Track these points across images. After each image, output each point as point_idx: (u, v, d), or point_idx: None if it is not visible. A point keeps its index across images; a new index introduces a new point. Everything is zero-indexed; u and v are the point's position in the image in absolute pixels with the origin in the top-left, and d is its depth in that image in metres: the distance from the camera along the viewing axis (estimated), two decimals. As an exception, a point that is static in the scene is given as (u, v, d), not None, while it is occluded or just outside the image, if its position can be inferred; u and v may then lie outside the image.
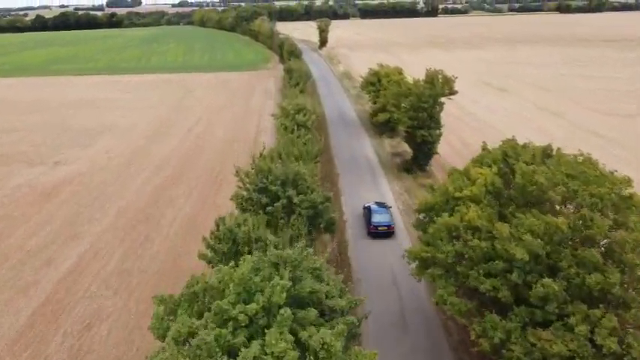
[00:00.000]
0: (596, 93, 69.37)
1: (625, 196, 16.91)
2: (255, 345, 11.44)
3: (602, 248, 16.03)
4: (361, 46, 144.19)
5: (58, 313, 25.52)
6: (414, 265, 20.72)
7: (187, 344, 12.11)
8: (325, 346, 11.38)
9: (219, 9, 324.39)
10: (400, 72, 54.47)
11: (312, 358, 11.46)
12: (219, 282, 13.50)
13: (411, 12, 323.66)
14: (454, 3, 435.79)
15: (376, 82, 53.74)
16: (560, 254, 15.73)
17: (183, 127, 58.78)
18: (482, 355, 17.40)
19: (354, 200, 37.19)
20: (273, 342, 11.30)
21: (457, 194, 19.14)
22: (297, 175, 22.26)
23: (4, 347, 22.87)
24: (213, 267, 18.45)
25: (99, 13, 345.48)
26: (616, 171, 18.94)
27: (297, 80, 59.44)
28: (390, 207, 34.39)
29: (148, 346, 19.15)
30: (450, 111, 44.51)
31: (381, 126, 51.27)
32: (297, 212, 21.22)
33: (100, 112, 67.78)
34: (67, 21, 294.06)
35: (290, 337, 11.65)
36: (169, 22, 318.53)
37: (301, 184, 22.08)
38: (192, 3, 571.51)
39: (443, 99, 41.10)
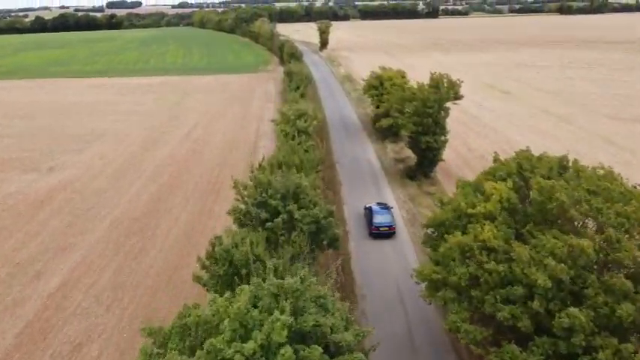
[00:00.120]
0: (604, 97, 68.04)
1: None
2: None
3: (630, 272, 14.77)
4: (362, 48, 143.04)
5: (46, 332, 24.22)
6: (422, 284, 19.47)
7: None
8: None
9: (219, 10, 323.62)
10: (403, 75, 53.23)
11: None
12: (214, 315, 12.20)
13: (411, 13, 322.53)
14: (454, 4, 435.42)
15: (379, 86, 52.43)
16: (585, 280, 14.44)
17: (180, 132, 57.48)
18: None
19: (357, 210, 35.95)
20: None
21: (470, 211, 17.83)
22: (299, 188, 20.96)
23: (-12, 371, 21.63)
24: (208, 290, 17.19)
25: (98, 15, 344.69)
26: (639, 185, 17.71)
27: (298, 83, 58.16)
28: (392, 207, 34.57)
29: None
30: (454, 115, 43.35)
31: (384, 131, 49.99)
32: (299, 228, 19.91)
33: (96, 116, 66.42)
34: (67, 22, 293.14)
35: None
36: (169, 24, 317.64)
37: (303, 197, 20.78)
38: (192, 4, 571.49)
39: (448, 104, 39.86)
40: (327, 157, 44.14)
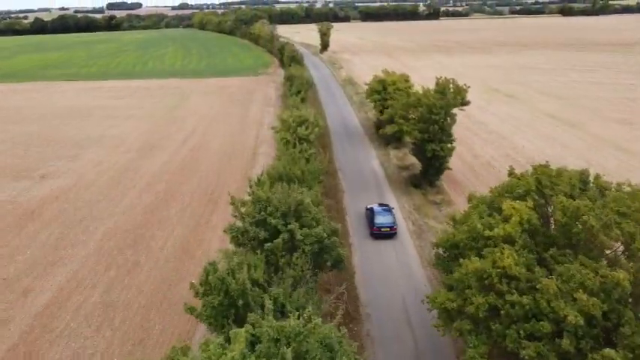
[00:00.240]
0: (611, 101, 66.54)
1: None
2: None
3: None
4: (363, 51, 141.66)
5: (32, 356, 22.77)
6: (434, 309, 17.99)
7: None
8: None
9: (219, 12, 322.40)
10: (407, 79, 51.73)
11: None
12: (205, 363, 10.73)
13: (412, 14, 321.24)
14: (454, 5, 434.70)
15: (382, 91, 50.93)
16: (620, 316, 12.97)
17: (178, 137, 55.98)
18: None
19: (361, 220, 34.57)
20: None
21: (487, 233, 16.36)
22: (300, 205, 19.48)
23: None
24: (200, 321, 15.72)
25: (98, 16, 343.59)
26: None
27: (299, 88, 56.67)
28: (393, 208, 34.61)
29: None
30: (458, 119, 41.89)
31: (387, 136, 48.51)
32: (301, 249, 18.44)
33: (90, 120, 64.91)
34: (66, 24, 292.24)
35: None
36: (169, 25, 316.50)
37: (305, 215, 19.30)
38: (192, 5, 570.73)
39: (454, 110, 38.41)
40: (329, 164, 42.68)
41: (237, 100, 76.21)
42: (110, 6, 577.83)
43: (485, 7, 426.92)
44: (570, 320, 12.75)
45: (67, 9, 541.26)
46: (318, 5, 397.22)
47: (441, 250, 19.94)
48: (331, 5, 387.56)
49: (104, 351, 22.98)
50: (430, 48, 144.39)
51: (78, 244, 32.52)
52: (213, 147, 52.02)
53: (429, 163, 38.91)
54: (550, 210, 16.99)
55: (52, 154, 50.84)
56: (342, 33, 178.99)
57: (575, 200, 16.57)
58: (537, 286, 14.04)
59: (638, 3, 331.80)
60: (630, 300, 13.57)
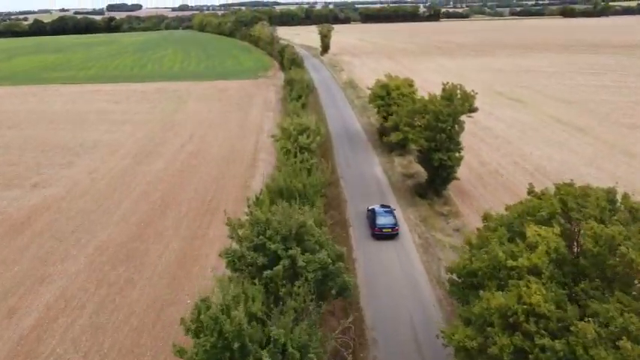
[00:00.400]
0: (619, 105, 64.91)
1: None
2: None
3: None
4: (364, 53, 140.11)
5: (13, 386, 21.23)
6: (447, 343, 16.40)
7: None
8: None
9: (219, 13, 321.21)
10: (411, 84, 50.14)
11: None
12: None
13: (412, 16, 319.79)
14: (455, 7, 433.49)
15: (385, 96, 49.29)
16: (668, 365, 11.37)
17: (175, 143, 54.37)
18: None
19: (365, 233, 33.03)
20: None
21: (511, 263, 14.78)
22: (302, 227, 17.88)
23: None
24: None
25: (98, 18, 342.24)
26: None
27: (299, 92, 55.07)
28: (394, 209, 34.64)
29: None
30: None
31: (391, 143, 46.90)
32: (303, 277, 16.85)
33: (87, 125, 63.29)
34: (66, 25, 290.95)
35: None
36: (168, 27, 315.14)
37: (307, 239, 17.71)
38: (192, 7, 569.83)
39: (462, 117, 36.83)
40: (331, 174, 41.11)
41: (237, 104, 74.61)
42: (110, 7, 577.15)
43: (486, 8, 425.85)
44: (612, 372, 11.19)
45: (67, 10, 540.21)
46: (318, 7, 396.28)
47: (455, 276, 18.35)
48: (331, 7, 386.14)
49: (91, 380, 21.43)
50: (431, 50, 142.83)
51: (68, 258, 30.96)
52: (212, 153, 50.42)
53: (435, 173, 37.32)
54: (579, 237, 15.38)
55: (46, 160, 49.28)
56: (342, 35, 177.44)
57: (605, 224, 15.04)
58: (571, 328, 12.45)
59: (639, 4, 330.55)
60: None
